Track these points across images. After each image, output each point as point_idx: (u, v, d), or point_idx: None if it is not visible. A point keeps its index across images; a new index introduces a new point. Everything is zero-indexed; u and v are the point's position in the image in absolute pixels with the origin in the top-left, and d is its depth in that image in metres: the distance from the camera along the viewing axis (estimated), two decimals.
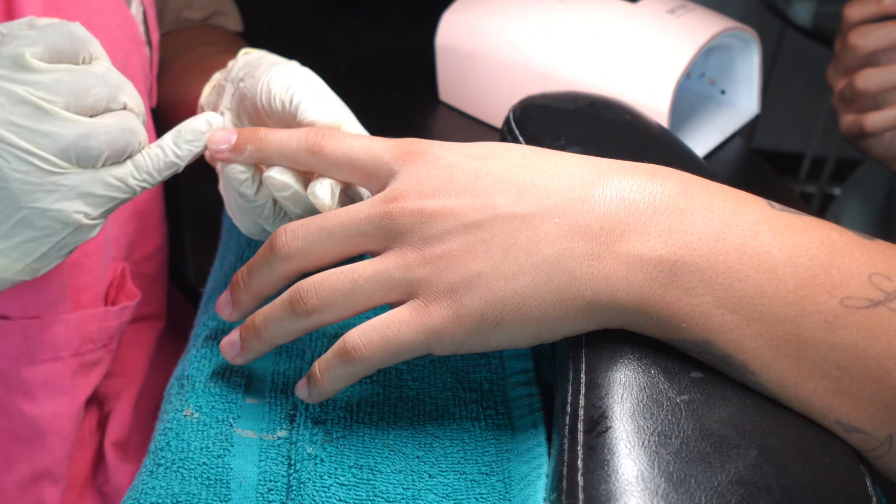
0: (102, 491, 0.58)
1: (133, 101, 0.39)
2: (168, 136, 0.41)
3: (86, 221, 0.38)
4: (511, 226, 0.35)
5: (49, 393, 0.52)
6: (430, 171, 0.37)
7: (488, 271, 0.35)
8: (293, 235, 0.38)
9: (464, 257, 0.35)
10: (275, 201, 0.43)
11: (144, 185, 0.40)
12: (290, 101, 0.43)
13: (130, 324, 0.62)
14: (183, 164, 0.41)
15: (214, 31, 0.74)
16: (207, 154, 0.43)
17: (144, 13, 0.59)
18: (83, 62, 0.38)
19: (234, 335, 0.40)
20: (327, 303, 0.37)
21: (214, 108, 0.50)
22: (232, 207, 0.46)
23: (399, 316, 0.36)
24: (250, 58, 0.49)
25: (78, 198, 0.37)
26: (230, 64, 0.50)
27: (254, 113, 0.46)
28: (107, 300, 0.56)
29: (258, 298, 0.40)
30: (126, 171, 0.39)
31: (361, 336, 0.36)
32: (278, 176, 0.41)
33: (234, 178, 0.42)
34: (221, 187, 0.47)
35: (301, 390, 0.39)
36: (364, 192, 0.43)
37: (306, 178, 0.43)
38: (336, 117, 0.43)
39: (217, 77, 0.51)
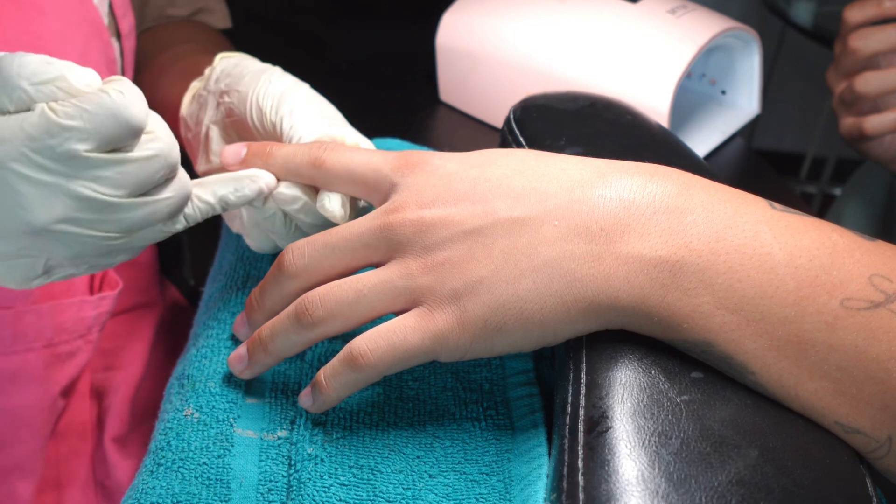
0: (104, 485, 0.58)
1: (177, 157, 0.38)
2: (220, 190, 0.41)
3: (139, 253, 0.39)
4: (511, 230, 0.35)
5: (21, 384, 0.52)
6: (429, 180, 0.37)
7: (490, 276, 0.35)
8: (299, 253, 0.39)
9: (466, 263, 0.35)
10: (285, 213, 0.44)
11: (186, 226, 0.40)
12: (281, 123, 0.44)
13: (124, 314, 0.62)
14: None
15: (195, 29, 0.73)
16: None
17: (110, 3, 0.58)
18: (138, 139, 0.35)
19: (241, 350, 0.41)
20: (332, 313, 0.37)
21: (198, 123, 0.49)
22: (244, 224, 0.46)
23: (405, 322, 0.36)
24: (228, 65, 0.49)
25: (139, 247, 0.38)
26: (207, 72, 0.50)
27: (243, 128, 0.46)
28: (92, 289, 0.56)
29: (272, 318, 0.41)
30: (179, 224, 0.39)
31: (368, 342, 0.36)
32: (286, 191, 0.42)
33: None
34: (236, 228, 0.47)
35: (305, 399, 0.39)
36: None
37: (316, 189, 0.43)
38: (325, 134, 0.44)
39: (196, 86, 0.51)
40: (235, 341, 0.45)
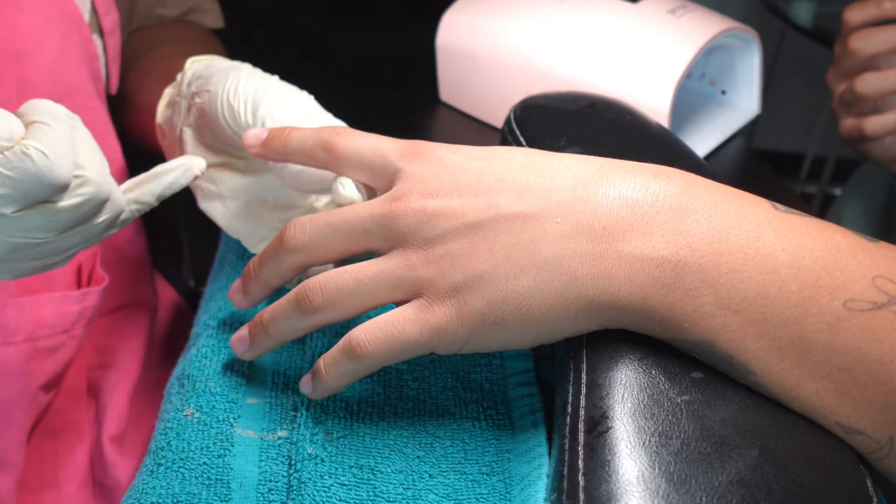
0: (102, 484, 0.58)
1: (110, 186, 0.38)
2: (157, 189, 0.42)
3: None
4: (513, 225, 0.35)
5: (1, 378, 0.52)
6: (433, 170, 0.37)
7: (490, 271, 0.35)
8: (301, 229, 0.39)
9: (466, 257, 0.35)
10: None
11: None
12: (262, 125, 0.44)
13: (118, 311, 0.62)
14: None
15: (185, 29, 0.72)
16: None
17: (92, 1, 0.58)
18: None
19: (243, 331, 0.41)
20: (332, 301, 0.37)
21: (171, 127, 0.50)
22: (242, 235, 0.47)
23: (403, 314, 0.36)
24: (198, 68, 0.49)
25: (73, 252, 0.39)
26: (179, 77, 0.50)
27: (216, 128, 0.46)
28: (79, 284, 0.56)
29: (267, 288, 0.41)
30: (115, 230, 0.40)
31: (366, 333, 0.36)
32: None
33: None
34: (203, 205, 0.48)
35: (305, 386, 0.40)
36: None
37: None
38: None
39: (169, 92, 0.51)
40: None
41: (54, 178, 0.33)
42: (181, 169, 0.42)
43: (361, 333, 0.36)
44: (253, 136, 0.43)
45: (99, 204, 0.37)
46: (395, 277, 0.36)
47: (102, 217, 0.38)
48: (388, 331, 0.36)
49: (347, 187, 0.42)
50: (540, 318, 0.35)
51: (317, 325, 0.38)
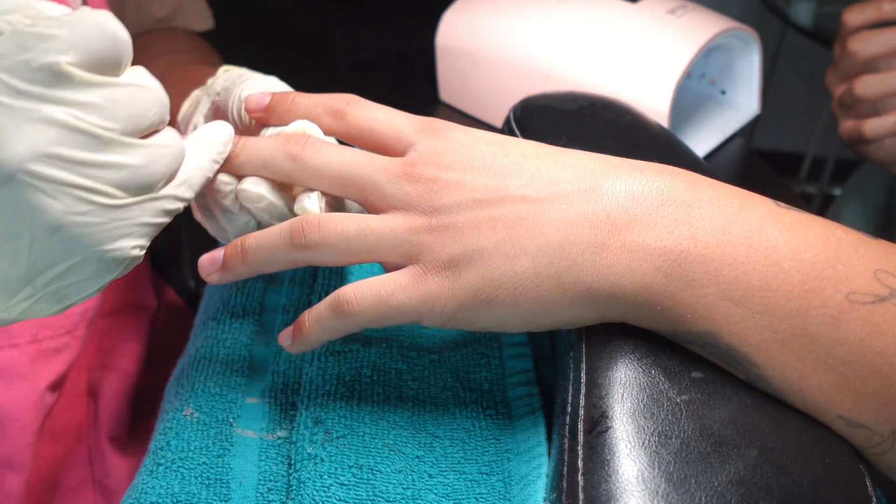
0: (103, 484, 0.58)
1: (167, 99, 0.34)
2: (200, 153, 0.37)
3: (140, 254, 0.33)
4: (519, 207, 0.35)
5: (6, 380, 0.52)
6: (450, 146, 0.38)
7: (490, 248, 0.35)
8: (311, 144, 0.38)
9: (469, 231, 0.35)
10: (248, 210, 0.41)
11: (185, 204, 0.35)
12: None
13: (118, 312, 0.62)
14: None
15: (185, 39, 0.72)
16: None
17: None
18: (124, 69, 0.31)
19: (216, 253, 0.39)
20: (328, 242, 0.37)
21: (189, 121, 0.49)
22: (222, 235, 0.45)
23: (396, 279, 0.36)
24: (230, 75, 0.48)
25: (136, 230, 0.32)
26: (210, 81, 0.50)
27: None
28: None
29: (240, 172, 0.39)
30: (180, 192, 0.34)
31: (355, 291, 0.36)
32: (251, 188, 0.39)
33: (219, 191, 0.40)
34: (199, 216, 0.45)
35: (284, 339, 0.39)
36: (353, 206, 0.42)
37: (284, 190, 0.41)
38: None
39: (196, 94, 0.51)
40: (235, 341, 0.45)
41: (117, 28, 0.29)
42: (213, 128, 0.38)
43: (350, 291, 0.36)
44: (255, 100, 0.41)
45: (160, 103, 0.32)
46: (398, 238, 0.36)
47: (165, 139, 0.32)
48: (378, 292, 0.36)
49: (313, 200, 0.39)
50: (534, 300, 0.35)
51: (303, 262, 0.38)
